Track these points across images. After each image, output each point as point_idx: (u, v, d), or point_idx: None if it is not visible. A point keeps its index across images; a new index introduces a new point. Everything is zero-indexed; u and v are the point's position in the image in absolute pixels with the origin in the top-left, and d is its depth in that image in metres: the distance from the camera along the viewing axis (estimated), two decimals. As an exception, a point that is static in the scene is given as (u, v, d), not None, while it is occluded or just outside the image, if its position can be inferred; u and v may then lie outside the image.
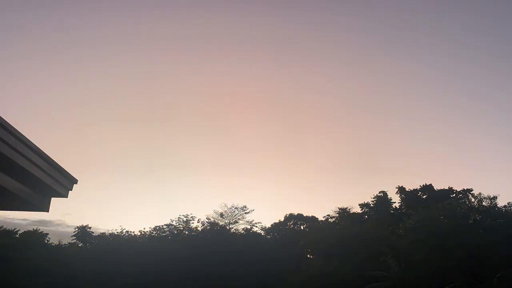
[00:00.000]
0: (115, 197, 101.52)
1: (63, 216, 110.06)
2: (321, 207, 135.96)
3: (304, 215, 69.81)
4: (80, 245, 60.30)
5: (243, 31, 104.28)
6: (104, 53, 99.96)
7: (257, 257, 53.33)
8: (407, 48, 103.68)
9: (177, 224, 61.00)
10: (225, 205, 62.44)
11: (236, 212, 62.94)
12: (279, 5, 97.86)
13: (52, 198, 5.96)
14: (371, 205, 61.13)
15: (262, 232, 66.23)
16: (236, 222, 63.11)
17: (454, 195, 57.21)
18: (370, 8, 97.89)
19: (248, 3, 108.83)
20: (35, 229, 56.84)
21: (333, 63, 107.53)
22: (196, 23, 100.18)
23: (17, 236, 53.30)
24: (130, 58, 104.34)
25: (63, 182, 5.64)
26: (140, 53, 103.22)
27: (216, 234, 57.77)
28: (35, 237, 54.83)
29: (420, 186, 59.77)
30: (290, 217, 69.79)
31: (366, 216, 60.69)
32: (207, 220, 61.49)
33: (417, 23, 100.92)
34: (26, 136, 4.70)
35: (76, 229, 60.94)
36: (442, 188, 58.92)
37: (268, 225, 68.21)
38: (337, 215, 62.63)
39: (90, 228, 61.39)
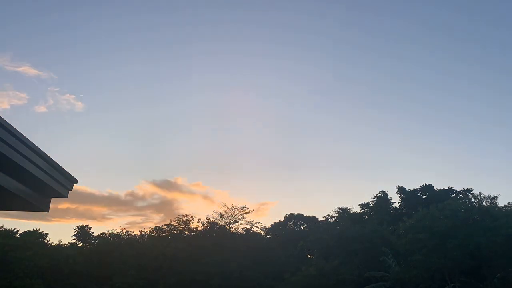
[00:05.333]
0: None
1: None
2: (321, 207, 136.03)
3: (304, 215, 69.83)
4: (80, 245, 60.23)
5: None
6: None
7: (257, 257, 53.27)
8: (407, 49, 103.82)
9: (177, 224, 60.89)
10: (225, 205, 62.35)
11: (236, 212, 62.82)
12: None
13: (52, 198, 5.96)
14: (371, 205, 61.05)
15: (262, 232, 66.19)
16: (236, 222, 62.98)
17: (454, 195, 57.17)
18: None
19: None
20: (35, 229, 56.77)
21: (332, 62, 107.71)
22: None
23: (17, 236, 53.25)
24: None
25: (63, 182, 5.62)
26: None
27: (216, 234, 57.67)
28: (35, 237, 54.73)
29: (420, 186, 59.75)
30: (290, 217, 69.77)
31: (366, 216, 60.61)
32: (206, 220, 61.39)
33: (413, 24, 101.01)
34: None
35: (76, 229, 60.90)
36: (442, 188, 58.90)
37: (268, 225, 68.26)
38: (337, 215, 62.58)
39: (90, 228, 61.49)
